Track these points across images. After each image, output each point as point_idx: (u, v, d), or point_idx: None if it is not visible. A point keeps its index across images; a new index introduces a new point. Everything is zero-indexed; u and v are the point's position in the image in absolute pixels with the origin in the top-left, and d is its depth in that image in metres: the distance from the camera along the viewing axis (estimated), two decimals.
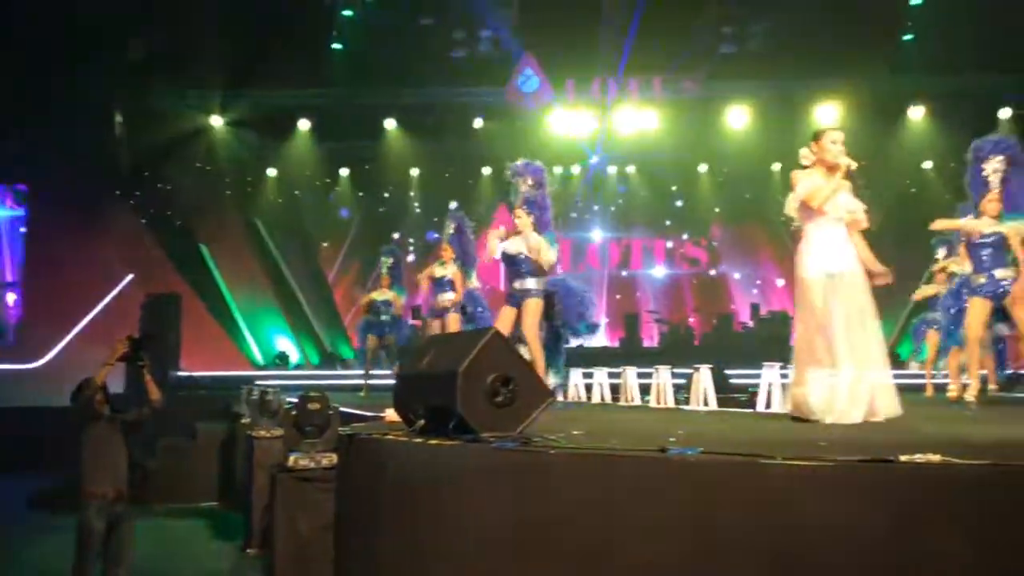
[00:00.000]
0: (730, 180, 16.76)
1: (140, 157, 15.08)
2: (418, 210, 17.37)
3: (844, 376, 4.31)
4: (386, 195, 17.68)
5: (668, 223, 17.89)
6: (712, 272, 18.11)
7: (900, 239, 15.36)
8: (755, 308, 16.66)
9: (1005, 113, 13.85)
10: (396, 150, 16.15)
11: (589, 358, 10.11)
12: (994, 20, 12.18)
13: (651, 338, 16.43)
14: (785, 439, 3.76)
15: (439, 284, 8.70)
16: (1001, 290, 6.29)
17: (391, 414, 4.34)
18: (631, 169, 16.92)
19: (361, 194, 17.63)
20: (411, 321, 10.23)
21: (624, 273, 18.01)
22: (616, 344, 16.21)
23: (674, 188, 17.30)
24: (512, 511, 2.86)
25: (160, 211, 15.80)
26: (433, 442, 3.16)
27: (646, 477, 2.74)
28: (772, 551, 2.60)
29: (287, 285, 17.11)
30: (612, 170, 16.89)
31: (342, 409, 7.00)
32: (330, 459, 5.32)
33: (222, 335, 15.99)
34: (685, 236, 18.12)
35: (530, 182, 6.90)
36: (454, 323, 8.37)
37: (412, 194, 17.31)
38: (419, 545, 3.08)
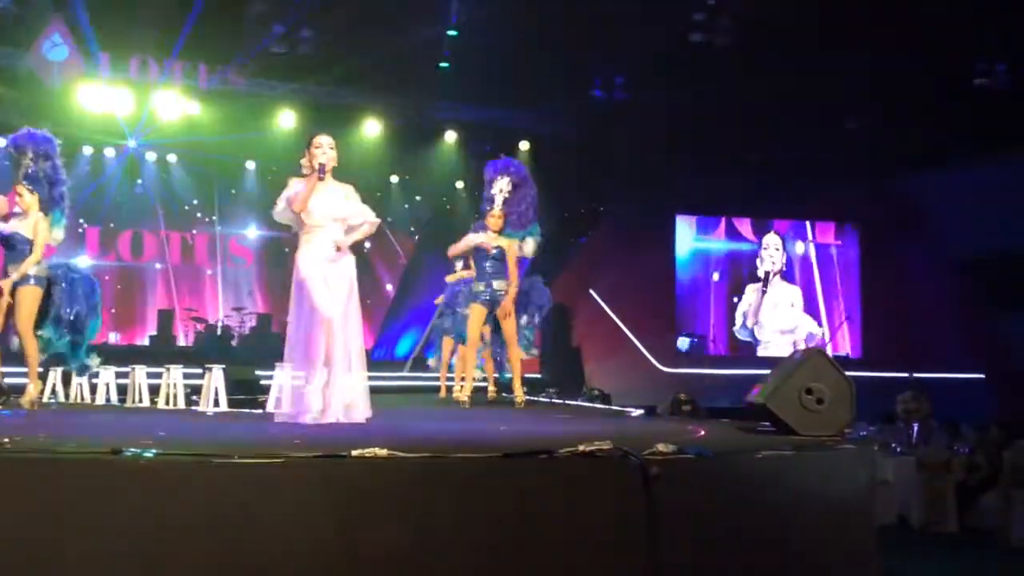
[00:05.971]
0: (278, 179, 16.61)
1: None
2: None
3: (323, 377, 4.50)
4: None
5: (211, 217, 17.19)
6: (253, 269, 17.67)
7: (437, 247, 16.61)
8: None
9: (524, 145, 15.63)
10: None
11: (117, 356, 9.31)
12: (520, 61, 13.57)
13: (186, 336, 15.68)
14: (260, 438, 3.84)
15: None
16: (499, 298, 6.93)
17: None
18: (172, 158, 15.95)
19: None
20: None
21: (159, 266, 16.91)
22: (145, 342, 15.27)
23: (218, 182, 16.67)
24: None
25: None
26: None
27: (97, 480, 2.61)
28: (225, 549, 2.62)
29: None
30: (151, 156, 15.78)
31: None
32: None
33: None
34: (230, 232, 17.53)
35: (32, 154, 6.24)
36: None
37: None
38: None
